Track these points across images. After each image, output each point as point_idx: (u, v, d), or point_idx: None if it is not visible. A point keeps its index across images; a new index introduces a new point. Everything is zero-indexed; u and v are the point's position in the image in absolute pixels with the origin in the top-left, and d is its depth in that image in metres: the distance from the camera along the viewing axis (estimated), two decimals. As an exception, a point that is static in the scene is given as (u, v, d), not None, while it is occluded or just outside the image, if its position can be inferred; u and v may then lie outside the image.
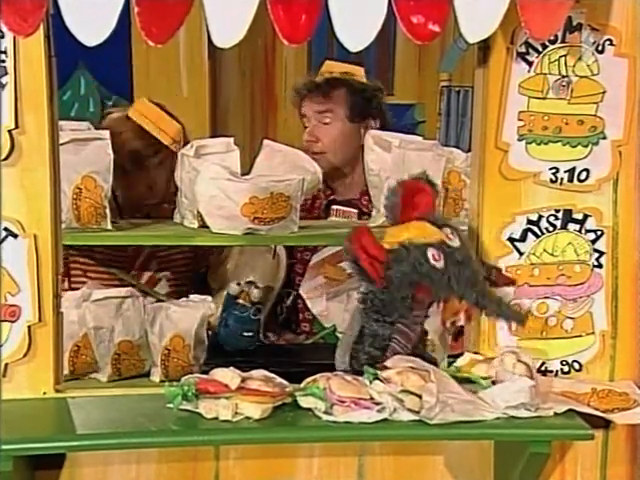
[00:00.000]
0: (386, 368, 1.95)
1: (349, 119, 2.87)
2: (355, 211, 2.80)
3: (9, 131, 1.96)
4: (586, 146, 2.09)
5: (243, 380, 1.90)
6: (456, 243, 1.99)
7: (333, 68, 2.90)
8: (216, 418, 1.89)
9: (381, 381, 1.93)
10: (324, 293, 2.53)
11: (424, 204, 2.01)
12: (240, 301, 2.46)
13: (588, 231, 2.12)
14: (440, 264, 1.96)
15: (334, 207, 2.84)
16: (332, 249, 2.75)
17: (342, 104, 2.88)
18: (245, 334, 2.46)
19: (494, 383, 1.96)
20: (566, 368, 2.14)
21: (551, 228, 2.11)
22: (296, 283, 2.80)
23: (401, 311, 1.99)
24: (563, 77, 2.06)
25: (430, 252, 1.96)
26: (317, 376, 1.95)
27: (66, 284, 2.50)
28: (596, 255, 2.13)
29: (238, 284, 2.48)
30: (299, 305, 2.82)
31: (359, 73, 2.93)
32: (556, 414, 1.94)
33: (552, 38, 2.03)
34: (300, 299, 2.82)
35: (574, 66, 2.05)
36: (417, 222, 1.99)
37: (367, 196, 2.68)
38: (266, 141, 2.52)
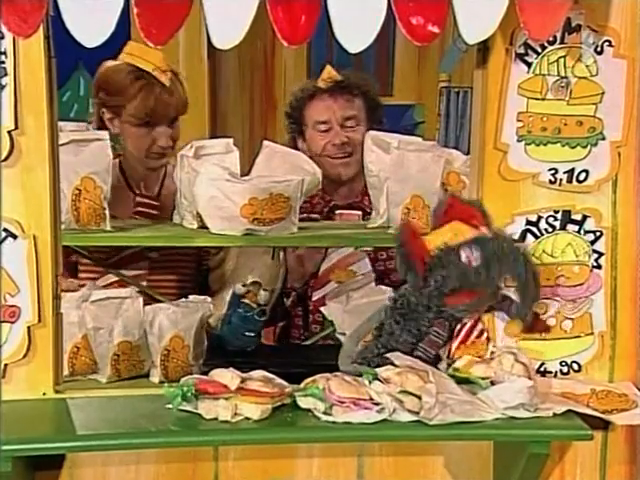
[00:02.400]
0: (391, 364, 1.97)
1: (366, 125, 2.86)
2: (359, 213, 2.81)
3: (9, 132, 1.96)
4: (585, 147, 2.09)
5: (242, 381, 1.90)
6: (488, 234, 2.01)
7: (333, 75, 2.89)
8: (215, 419, 1.89)
9: (380, 381, 1.93)
10: (342, 302, 2.52)
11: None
12: (246, 301, 2.46)
13: (587, 232, 2.12)
14: (476, 262, 1.97)
15: (338, 212, 2.84)
16: (339, 255, 2.76)
17: (363, 109, 2.88)
18: (247, 334, 2.46)
19: (492, 383, 1.96)
20: (565, 369, 2.14)
21: (550, 229, 2.11)
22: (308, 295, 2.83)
23: (422, 322, 2.02)
24: (562, 78, 2.06)
25: (464, 254, 1.97)
26: (316, 377, 1.95)
27: None
28: (595, 256, 2.13)
29: (244, 285, 2.48)
30: (310, 307, 2.83)
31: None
32: (555, 415, 1.94)
33: (551, 39, 2.03)
34: (306, 301, 2.83)
35: (573, 67, 2.06)
36: (452, 223, 2.02)
37: (368, 196, 2.69)
38: (266, 142, 2.52)
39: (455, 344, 2.05)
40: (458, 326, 2.05)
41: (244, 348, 2.47)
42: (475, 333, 2.05)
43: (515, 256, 1.98)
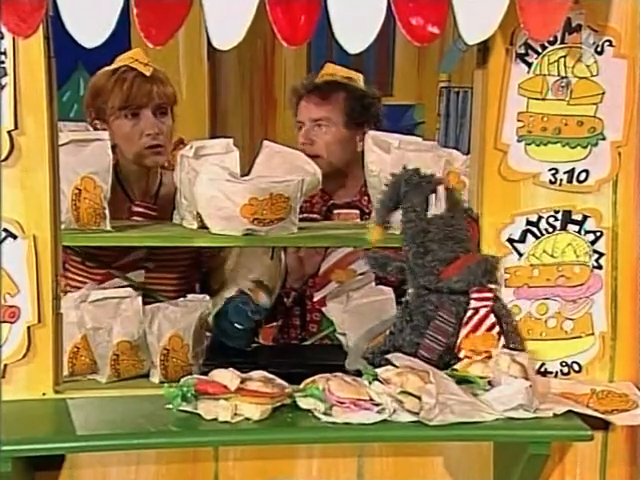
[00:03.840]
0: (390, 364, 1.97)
1: (345, 125, 2.87)
2: (357, 212, 2.81)
3: (9, 132, 1.96)
4: (585, 147, 2.09)
5: (242, 381, 1.90)
6: None
7: (334, 71, 2.90)
8: (215, 419, 1.89)
9: (380, 382, 1.93)
10: (342, 302, 2.52)
11: None
12: (249, 293, 2.48)
13: (587, 232, 2.12)
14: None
15: (336, 211, 2.84)
16: (339, 255, 2.76)
17: (339, 110, 2.88)
18: (236, 325, 2.45)
19: (490, 383, 1.96)
20: (566, 369, 2.14)
21: (550, 229, 2.11)
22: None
23: (429, 307, 2.06)
24: (562, 78, 2.06)
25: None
26: (316, 377, 1.95)
27: None
28: (595, 256, 2.13)
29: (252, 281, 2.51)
30: (308, 307, 2.83)
31: (358, 79, 2.94)
32: (555, 415, 1.94)
33: (551, 39, 2.03)
34: (304, 300, 2.83)
35: (573, 67, 2.06)
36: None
37: (367, 196, 2.69)
38: (266, 142, 2.52)
39: (464, 332, 2.04)
40: (468, 313, 2.04)
41: (230, 339, 2.46)
42: (487, 325, 2.04)
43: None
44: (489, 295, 2.05)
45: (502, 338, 2.05)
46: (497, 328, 2.05)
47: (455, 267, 2.05)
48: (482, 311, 2.04)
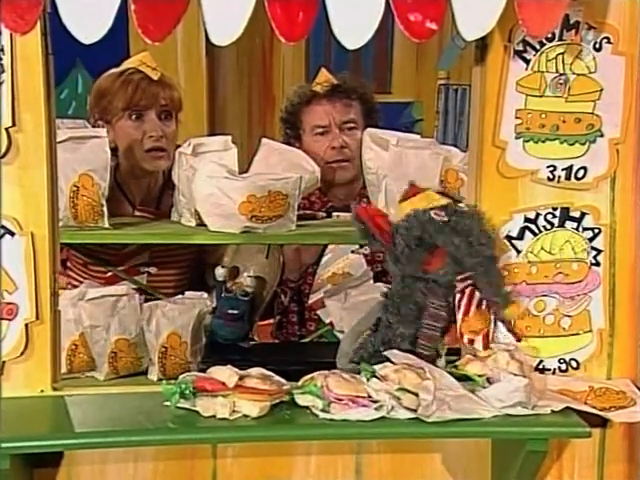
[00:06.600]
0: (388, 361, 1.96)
1: (363, 129, 2.85)
2: None
3: (6, 129, 1.96)
4: (583, 144, 2.09)
5: (241, 378, 1.91)
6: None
7: (327, 78, 2.87)
8: (214, 416, 1.89)
9: (378, 379, 1.93)
10: (341, 300, 2.51)
11: None
12: (229, 285, 2.49)
13: (585, 229, 2.12)
14: (443, 217, 1.97)
15: (335, 214, 2.83)
16: (336, 262, 2.76)
17: (359, 113, 2.87)
18: (230, 311, 2.45)
19: (489, 380, 1.96)
20: (563, 366, 2.14)
21: (549, 226, 2.11)
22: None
23: (417, 295, 2.01)
24: (560, 75, 2.06)
25: (433, 212, 1.99)
26: (314, 374, 1.95)
27: None
28: (594, 253, 2.13)
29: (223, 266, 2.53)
30: (305, 304, 2.83)
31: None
32: (553, 412, 1.94)
33: (549, 36, 2.03)
34: (301, 297, 2.83)
35: (571, 64, 2.06)
36: (421, 194, 2.05)
37: (365, 198, 2.69)
38: (264, 139, 2.52)
39: (460, 317, 2.02)
40: (457, 296, 2.02)
41: (230, 332, 2.46)
42: (475, 302, 2.03)
43: (483, 238, 1.99)
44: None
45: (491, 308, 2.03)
46: (485, 303, 2.02)
47: (438, 258, 2.00)
48: (467, 290, 2.03)
